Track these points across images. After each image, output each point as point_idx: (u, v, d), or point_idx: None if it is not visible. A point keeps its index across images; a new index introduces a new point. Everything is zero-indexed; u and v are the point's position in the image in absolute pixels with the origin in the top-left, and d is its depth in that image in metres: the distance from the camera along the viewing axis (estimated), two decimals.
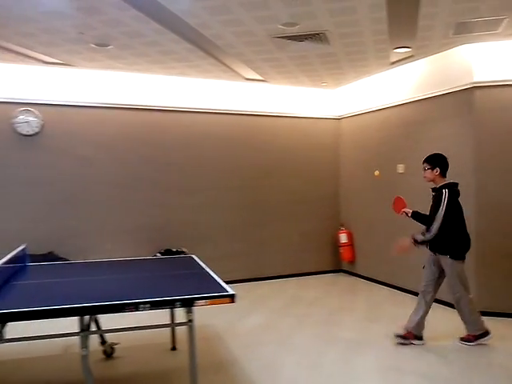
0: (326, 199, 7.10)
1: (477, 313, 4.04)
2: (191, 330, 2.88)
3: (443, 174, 4.01)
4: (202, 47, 4.81)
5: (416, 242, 3.91)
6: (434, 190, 4.04)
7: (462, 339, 4.05)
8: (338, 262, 7.13)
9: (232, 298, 2.80)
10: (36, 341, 2.77)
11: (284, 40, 4.56)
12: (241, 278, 6.25)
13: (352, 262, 6.89)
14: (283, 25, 4.14)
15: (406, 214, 4.20)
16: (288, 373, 3.51)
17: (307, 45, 4.70)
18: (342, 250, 6.89)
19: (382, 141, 6.22)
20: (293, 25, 4.15)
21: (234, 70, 5.75)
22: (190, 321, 2.87)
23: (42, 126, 5.56)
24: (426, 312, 4.03)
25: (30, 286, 3.30)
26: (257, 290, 6.11)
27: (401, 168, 5.86)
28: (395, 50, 5.01)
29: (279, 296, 5.81)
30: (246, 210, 6.61)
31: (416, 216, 4.17)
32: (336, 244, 7.02)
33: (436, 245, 3.97)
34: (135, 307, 2.62)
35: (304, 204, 6.91)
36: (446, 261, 3.94)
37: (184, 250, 6.02)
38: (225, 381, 3.38)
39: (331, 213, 7.11)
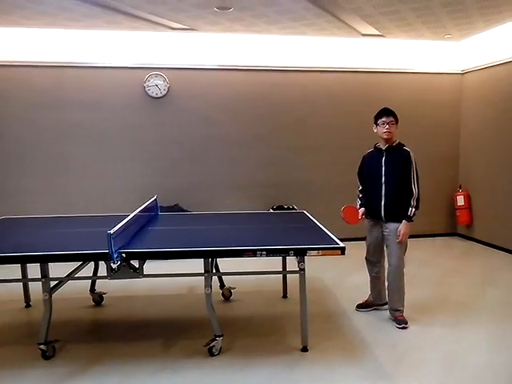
0: (443, 160, 6.78)
1: None
2: (302, 277, 3.10)
3: None
4: (319, 4, 4.80)
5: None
6: (389, 148, 3.67)
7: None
8: (454, 225, 6.85)
9: (342, 250, 2.94)
10: (166, 280, 3.21)
11: None
12: (352, 236, 6.33)
13: (469, 225, 6.58)
14: None
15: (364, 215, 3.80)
16: (393, 327, 3.61)
17: None
18: (458, 212, 6.60)
19: None
20: None
21: (350, 26, 5.64)
22: (302, 269, 3.09)
23: (169, 89, 6.06)
24: None
25: (162, 231, 3.76)
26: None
27: None
28: None
29: None
30: None
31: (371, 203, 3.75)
32: (452, 206, 6.73)
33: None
34: (253, 253, 2.89)
35: (420, 164, 6.65)
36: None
37: (295, 206, 6.26)
38: (333, 329, 3.58)
39: (449, 174, 6.79)
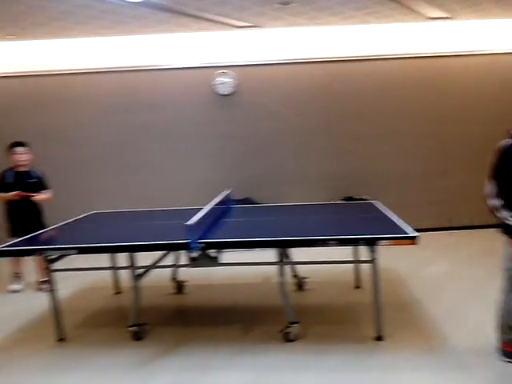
0: None
1: None
2: (374, 267, 3.12)
3: None
4: None
5: None
6: None
7: None
8: None
9: (413, 239, 2.92)
10: (241, 269, 3.39)
11: None
12: (425, 227, 6.16)
13: None
14: None
15: None
16: (472, 318, 3.52)
17: None
18: None
19: None
20: None
21: (415, 11, 5.51)
22: (374, 259, 3.11)
23: (236, 86, 6.25)
24: None
25: (236, 223, 3.94)
26: (443, 239, 6.00)
27: None
28: None
29: (467, 246, 5.62)
30: (428, 157, 6.42)
31: None
32: None
33: None
34: (324, 243, 2.96)
35: (491, 152, 6.38)
36: None
37: (365, 197, 6.21)
38: (407, 319, 3.56)
39: None
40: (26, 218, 4.46)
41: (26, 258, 4.53)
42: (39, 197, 4.53)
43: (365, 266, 3.19)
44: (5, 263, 4.59)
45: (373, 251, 3.10)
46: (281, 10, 5.24)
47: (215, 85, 6.21)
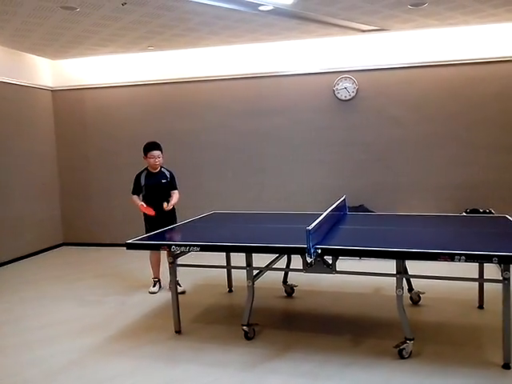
0: None
1: None
2: (506, 288, 2.85)
3: None
4: None
5: None
6: None
7: None
8: None
9: None
10: (351, 278, 3.25)
11: None
12: None
13: None
14: None
15: None
16: None
17: None
18: None
19: None
20: None
21: None
22: (506, 279, 2.84)
23: (357, 91, 6.13)
24: None
25: (353, 230, 3.86)
26: None
27: None
28: None
29: None
30: None
31: None
32: None
33: None
34: (450, 257, 2.77)
35: None
36: None
37: (492, 210, 5.72)
38: None
39: None
40: (160, 218, 4.60)
41: (163, 264, 4.79)
42: (169, 207, 4.63)
43: (489, 286, 2.91)
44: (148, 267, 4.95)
45: (506, 270, 2.84)
46: (412, 12, 5.03)
47: (336, 90, 6.16)
